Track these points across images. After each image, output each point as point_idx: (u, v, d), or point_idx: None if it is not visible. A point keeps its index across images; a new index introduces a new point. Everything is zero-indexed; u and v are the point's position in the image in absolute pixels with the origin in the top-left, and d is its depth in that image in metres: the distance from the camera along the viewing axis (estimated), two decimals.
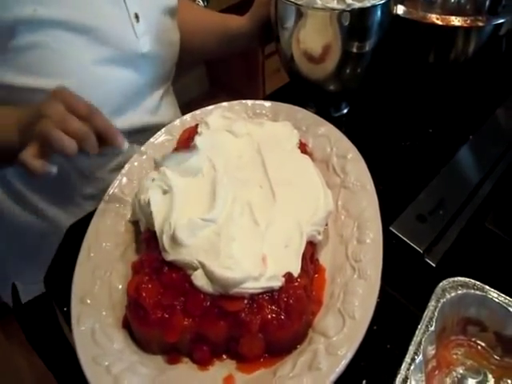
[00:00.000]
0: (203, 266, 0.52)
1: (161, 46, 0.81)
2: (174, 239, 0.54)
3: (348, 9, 0.70)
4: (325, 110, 0.85)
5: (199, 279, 0.52)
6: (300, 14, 0.72)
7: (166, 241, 0.55)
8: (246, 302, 0.51)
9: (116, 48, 0.73)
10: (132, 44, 0.75)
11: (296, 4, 0.72)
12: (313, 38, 0.75)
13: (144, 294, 0.52)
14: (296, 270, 0.54)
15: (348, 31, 0.72)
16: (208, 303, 0.51)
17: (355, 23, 0.72)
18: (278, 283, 0.52)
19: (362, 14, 0.71)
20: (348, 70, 0.79)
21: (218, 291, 0.51)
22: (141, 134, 0.84)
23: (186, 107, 0.99)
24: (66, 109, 0.55)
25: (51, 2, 0.64)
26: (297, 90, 0.88)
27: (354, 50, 0.75)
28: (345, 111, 0.90)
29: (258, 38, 0.92)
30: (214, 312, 0.51)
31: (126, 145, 0.59)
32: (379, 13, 0.72)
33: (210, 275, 0.51)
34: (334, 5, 0.72)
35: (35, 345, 0.94)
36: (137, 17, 0.75)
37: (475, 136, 0.83)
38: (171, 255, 0.54)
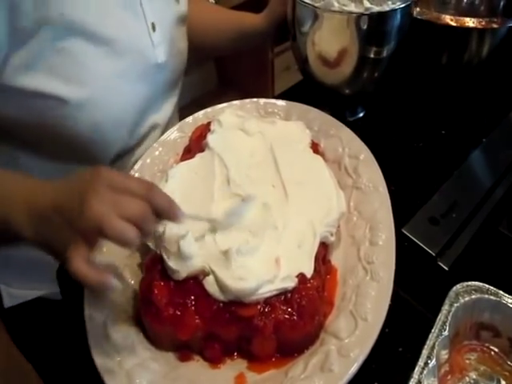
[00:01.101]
0: (215, 276, 0.51)
1: (172, 55, 0.80)
2: (180, 255, 0.52)
3: (366, 13, 0.68)
4: (340, 114, 0.83)
5: (211, 285, 0.51)
6: (317, 17, 0.71)
7: (171, 262, 0.53)
8: (259, 306, 0.51)
9: (133, 59, 0.71)
10: (149, 54, 0.73)
11: (313, 6, 0.71)
12: (329, 41, 0.74)
13: (156, 292, 0.52)
14: (309, 271, 0.53)
15: (366, 36, 0.70)
16: (220, 306, 0.51)
17: (373, 28, 0.70)
18: (291, 284, 0.51)
19: (380, 19, 0.69)
20: (365, 75, 0.78)
21: (231, 299, 0.51)
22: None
23: (194, 104, 0.98)
24: (114, 191, 0.46)
25: (78, 8, 0.61)
26: (309, 90, 0.88)
27: (372, 54, 0.74)
28: (361, 115, 0.89)
29: (272, 37, 0.92)
30: (226, 316, 0.51)
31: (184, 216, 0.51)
32: (399, 17, 0.70)
33: (222, 286, 0.51)
34: (352, 8, 0.71)
35: (21, 347, 0.91)
36: (153, 26, 0.73)
37: (488, 139, 0.82)
38: (182, 272, 0.52)
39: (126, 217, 0.44)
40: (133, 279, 0.59)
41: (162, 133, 0.82)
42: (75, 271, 0.43)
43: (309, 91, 0.87)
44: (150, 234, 0.49)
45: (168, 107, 0.85)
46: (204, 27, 0.92)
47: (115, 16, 0.67)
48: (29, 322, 0.89)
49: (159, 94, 0.81)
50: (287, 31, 0.82)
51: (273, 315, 0.50)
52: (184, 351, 0.54)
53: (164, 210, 0.48)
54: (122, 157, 0.79)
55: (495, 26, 0.90)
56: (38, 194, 0.51)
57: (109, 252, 0.60)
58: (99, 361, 0.50)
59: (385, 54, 0.74)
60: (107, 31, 0.66)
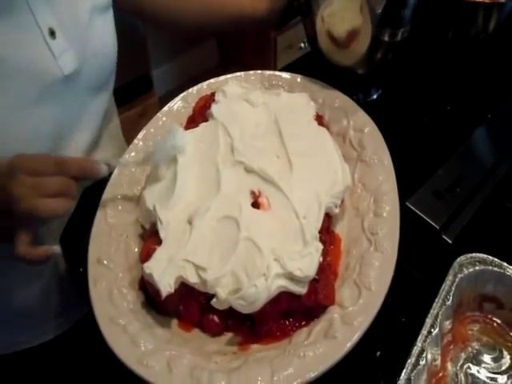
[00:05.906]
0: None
1: (90, 57, 0.67)
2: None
3: None
4: (352, 96, 0.77)
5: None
6: None
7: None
8: None
9: (31, 80, 0.59)
10: (50, 68, 0.61)
11: None
12: (343, 18, 0.70)
13: None
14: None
15: (381, 13, 0.66)
16: None
17: (390, 3, 0.65)
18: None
19: None
20: (380, 54, 0.74)
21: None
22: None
23: (195, 81, 0.96)
24: (32, 175, 0.49)
25: None
26: (312, 65, 0.86)
27: (388, 32, 0.70)
28: (374, 97, 0.87)
29: (272, 25, 0.86)
30: None
31: (104, 168, 0.55)
32: None
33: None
34: None
35: None
36: (52, 33, 0.60)
37: (494, 114, 0.82)
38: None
39: (50, 194, 0.49)
40: (136, 245, 0.59)
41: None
42: (18, 255, 0.50)
43: (312, 65, 0.86)
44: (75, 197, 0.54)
45: (93, 129, 0.74)
46: (196, 7, 0.84)
47: None
48: None
49: (76, 112, 0.69)
50: (289, 16, 0.79)
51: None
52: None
53: (82, 174, 0.53)
54: None
55: (502, 0, 0.89)
56: None
57: (113, 217, 0.60)
58: (104, 325, 0.50)
59: (401, 33, 0.71)
60: None
